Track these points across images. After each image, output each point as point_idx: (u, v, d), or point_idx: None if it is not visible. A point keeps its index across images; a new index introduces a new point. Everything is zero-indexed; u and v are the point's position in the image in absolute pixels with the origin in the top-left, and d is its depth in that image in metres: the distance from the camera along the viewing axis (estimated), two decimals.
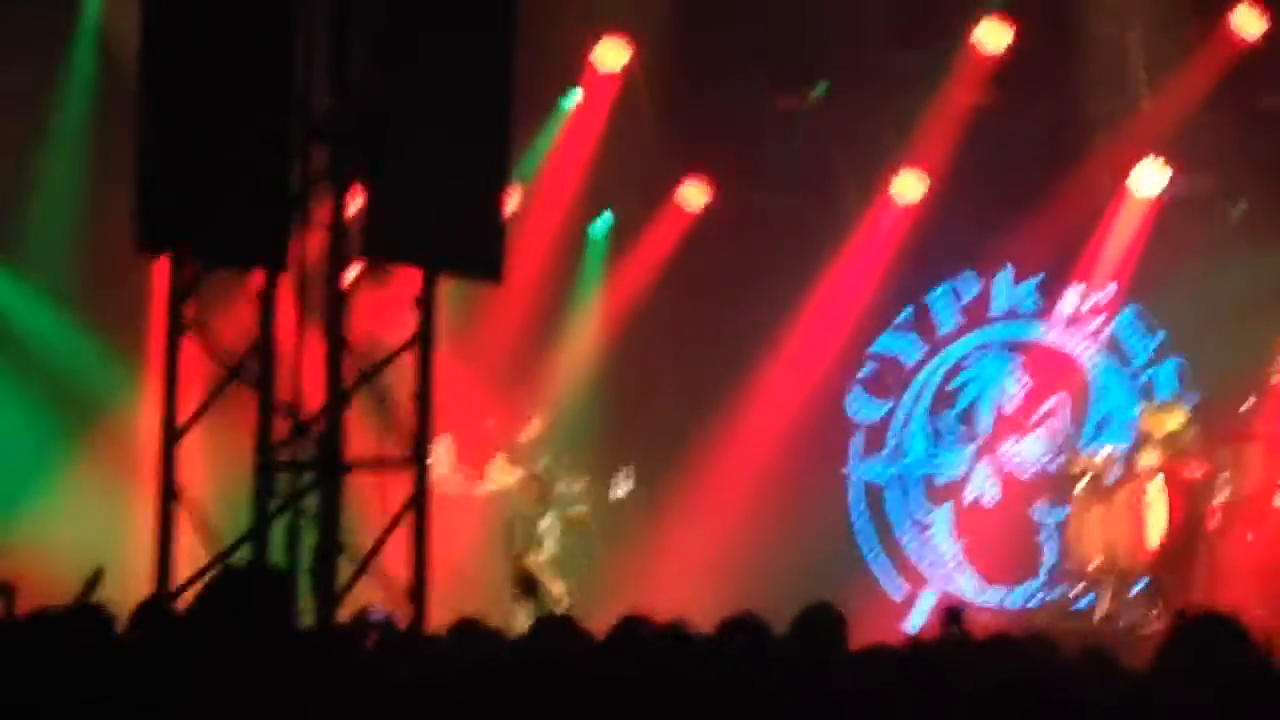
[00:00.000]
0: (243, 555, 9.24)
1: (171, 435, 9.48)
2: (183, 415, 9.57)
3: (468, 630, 8.23)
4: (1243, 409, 16.22)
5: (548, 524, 16.77)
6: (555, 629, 8.06)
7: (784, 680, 7.04)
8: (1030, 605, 17.46)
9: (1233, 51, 16.90)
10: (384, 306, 9.66)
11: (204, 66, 9.22)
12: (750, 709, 6.72)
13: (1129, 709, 5.85)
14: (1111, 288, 18.36)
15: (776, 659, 7.29)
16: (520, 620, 15.08)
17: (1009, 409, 18.84)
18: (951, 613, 9.27)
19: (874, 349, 19.32)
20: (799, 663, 7.32)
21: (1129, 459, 16.60)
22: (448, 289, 9.70)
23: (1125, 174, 17.85)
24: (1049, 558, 18.07)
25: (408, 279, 9.54)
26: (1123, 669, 7.72)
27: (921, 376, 19.28)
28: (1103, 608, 16.31)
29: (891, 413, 19.33)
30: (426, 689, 7.06)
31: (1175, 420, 16.46)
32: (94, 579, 9.78)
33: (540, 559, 16.52)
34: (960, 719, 5.74)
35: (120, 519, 15.28)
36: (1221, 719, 5.67)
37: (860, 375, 19.35)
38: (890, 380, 19.33)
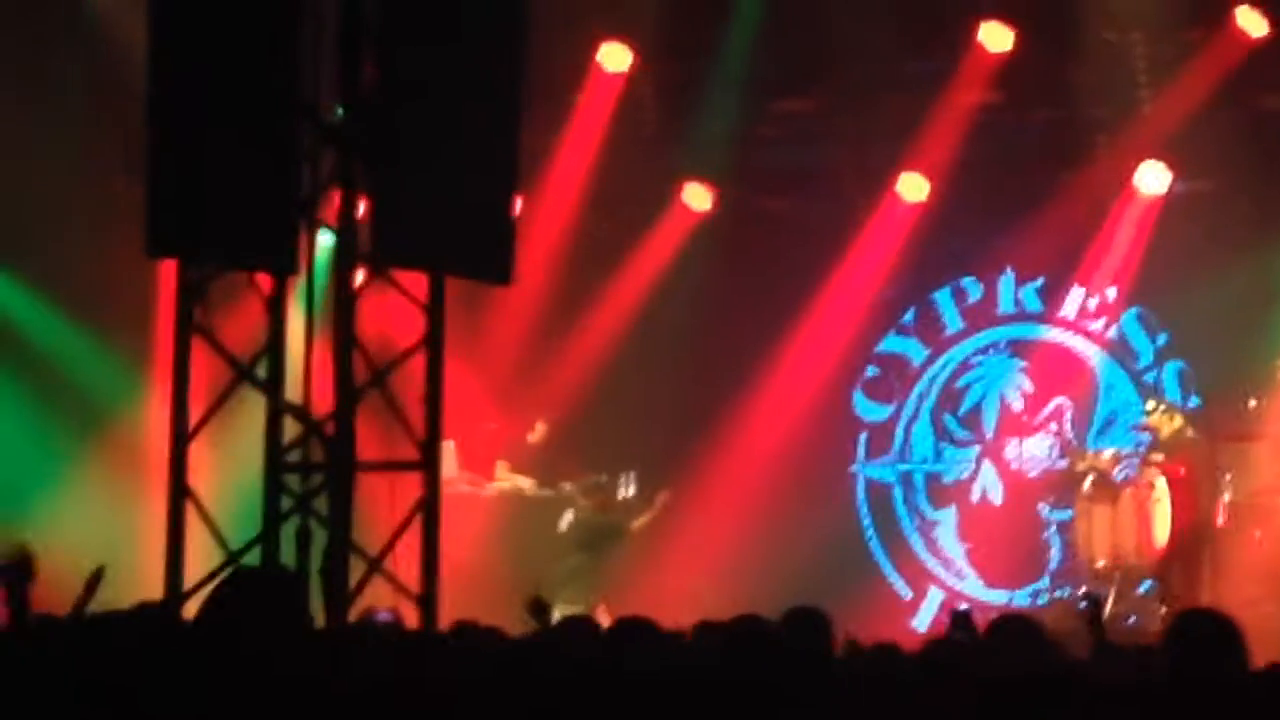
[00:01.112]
0: (253, 557, 9.24)
1: (183, 437, 9.47)
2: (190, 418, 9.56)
3: (479, 632, 8.21)
4: (1248, 407, 16.25)
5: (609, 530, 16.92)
6: (568, 630, 8.05)
7: (783, 680, 7.02)
8: (1037, 604, 17.43)
9: (1234, 52, 16.88)
10: (394, 309, 9.65)
11: (213, 69, 9.23)
12: (754, 709, 6.73)
13: (1141, 700, 5.87)
14: (1115, 288, 18.39)
15: (773, 660, 7.26)
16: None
17: (1015, 409, 18.85)
18: (959, 616, 9.22)
19: (879, 349, 19.35)
20: (792, 663, 7.28)
21: (1135, 458, 16.63)
22: (451, 293, 9.67)
23: (1128, 176, 17.85)
24: (1055, 557, 18.09)
25: (418, 281, 9.53)
26: (1134, 666, 7.75)
27: (927, 376, 19.28)
28: (1109, 607, 16.31)
29: (897, 412, 19.34)
30: (439, 690, 7.05)
31: (1180, 419, 16.48)
32: (95, 578, 9.78)
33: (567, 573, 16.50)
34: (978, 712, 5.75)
35: (127, 521, 15.29)
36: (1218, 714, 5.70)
37: (865, 376, 19.37)
38: (896, 380, 19.34)
